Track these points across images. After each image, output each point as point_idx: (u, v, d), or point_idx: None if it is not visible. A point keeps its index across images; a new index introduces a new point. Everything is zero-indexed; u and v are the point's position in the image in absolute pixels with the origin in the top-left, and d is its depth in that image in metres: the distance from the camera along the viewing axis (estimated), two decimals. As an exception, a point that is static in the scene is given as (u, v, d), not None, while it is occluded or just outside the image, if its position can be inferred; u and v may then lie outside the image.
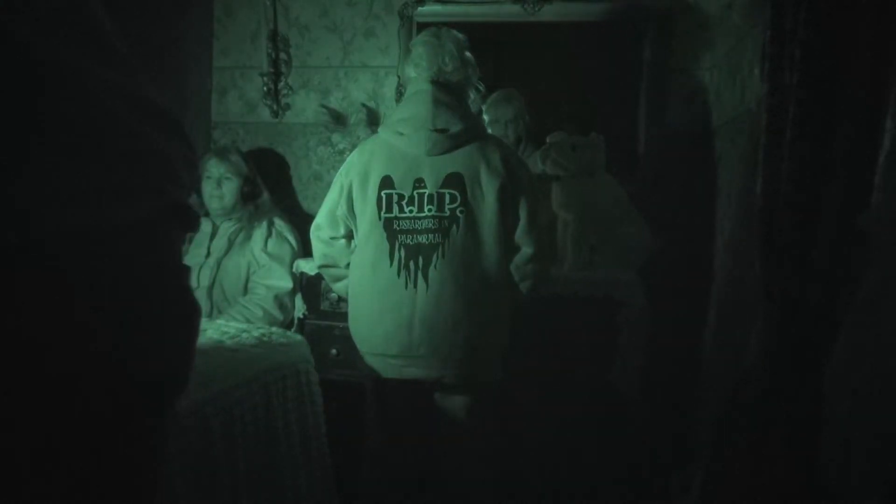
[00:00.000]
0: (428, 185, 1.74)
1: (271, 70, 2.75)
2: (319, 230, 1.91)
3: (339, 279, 1.95)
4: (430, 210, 1.73)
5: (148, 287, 0.72)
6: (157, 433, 0.80)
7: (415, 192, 1.74)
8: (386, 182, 1.76)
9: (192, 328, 0.82)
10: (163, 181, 0.73)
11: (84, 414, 0.68)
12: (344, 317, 1.93)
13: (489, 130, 2.45)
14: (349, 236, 1.88)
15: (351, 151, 1.91)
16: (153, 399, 0.77)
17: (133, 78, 0.72)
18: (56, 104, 0.63)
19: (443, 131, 1.74)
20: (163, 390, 0.78)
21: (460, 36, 1.84)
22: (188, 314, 0.80)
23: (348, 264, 1.88)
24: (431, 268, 1.72)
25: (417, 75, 1.80)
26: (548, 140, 2.25)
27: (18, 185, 0.60)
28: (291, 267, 2.42)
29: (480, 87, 1.90)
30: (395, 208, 1.75)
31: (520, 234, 1.78)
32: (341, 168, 1.87)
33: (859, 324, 0.90)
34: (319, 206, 1.92)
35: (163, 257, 0.75)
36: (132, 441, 0.75)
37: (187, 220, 0.79)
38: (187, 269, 0.81)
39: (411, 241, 1.74)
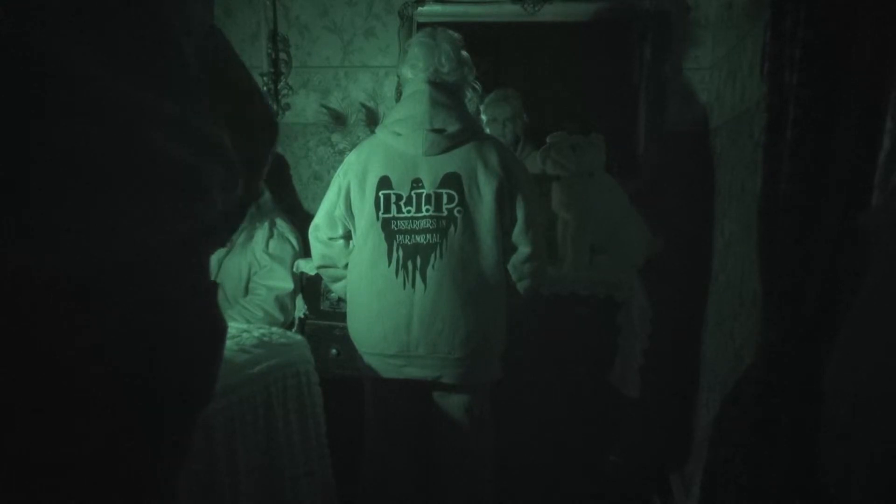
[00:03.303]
0: (425, 185, 1.74)
1: (271, 70, 2.75)
2: (318, 230, 1.91)
3: (337, 279, 1.95)
4: (427, 210, 1.73)
5: (178, 308, 0.71)
6: (179, 449, 0.79)
7: (412, 193, 1.74)
8: (384, 182, 1.76)
9: (219, 345, 0.82)
10: (196, 206, 0.72)
11: (111, 431, 0.68)
12: (344, 317, 1.93)
13: (487, 130, 2.45)
14: (347, 237, 1.88)
15: (351, 152, 1.92)
16: (178, 416, 0.76)
17: (179, 101, 0.70)
18: (89, 133, 0.61)
19: (440, 131, 1.73)
20: (189, 407, 0.78)
21: (456, 35, 1.84)
22: (215, 332, 0.80)
23: (347, 265, 1.88)
24: (429, 268, 1.72)
25: (414, 76, 1.80)
26: (548, 140, 2.24)
27: (52, 213, 0.59)
28: (293, 268, 2.42)
29: (477, 87, 1.90)
30: (393, 208, 1.75)
31: (517, 234, 1.78)
32: (339, 169, 1.87)
33: (859, 324, 0.89)
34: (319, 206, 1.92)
35: (193, 278, 0.74)
36: (154, 458, 0.75)
37: (217, 239, 0.79)
38: (215, 286, 0.81)
39: (409, 241, 1.74)
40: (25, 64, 0.55)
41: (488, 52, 2.48)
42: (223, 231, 0.81)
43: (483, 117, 2.50)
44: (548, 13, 2.53)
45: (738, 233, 1.89)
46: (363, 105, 2.70)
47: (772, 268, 1.24)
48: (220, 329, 0.80)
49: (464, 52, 1.83)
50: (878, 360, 0.83)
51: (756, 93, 1.73)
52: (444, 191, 1.73)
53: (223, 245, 0.83)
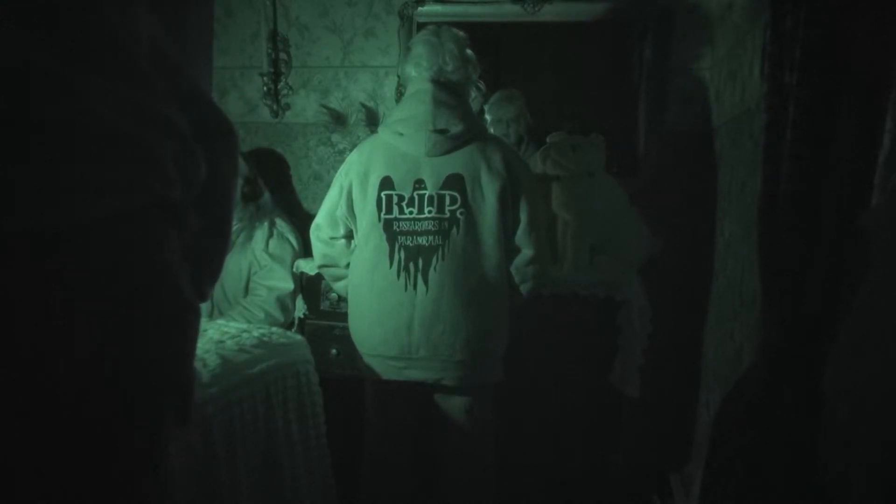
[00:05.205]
0: (428, 187, 1.73)
1: (271, 70, 2.75)
2: (319, 230, 1.90)
3: (339, 279, 1.95)
4: (430, 211, 1.73)
5: (133, 282, 0.73)
6: (157, 436, 0.79)
7: (415, 193, 1.74)
8: (386, 183, 1.75)
9: (185, 325, 0.82)
10: (148, 178, 0.75)
11: (71, 411, 0.68)
12: (344, 317, 1.93)
13: (491, 130, 2.45)
14: (349, 236, 1.88)
15: (351, 152, 1.91)
16: (149, 400, 0.76)
17: (128, 84, 0.74)
18: (37, 105, 0.65)
19: (443, 132, 1.73)
20: (158, 391, 0.78)
21: (460, 34, 1.83)
22: (180, 312, 0.80)
23: (348, 264, 1.88)
24: (431, 269, 1.72)
25: (417, 74, 1.79)
26: (548, 140, 2.24)
27: (8, 176, 0.62)
28: (293, 267, 2.42)
29: (481, 86, 1.89)
30: (395, 209, 1.75)
31: (520, 236, 1.78)
32: (341, 168, 1.87)
33: (859, 324, 0.90)
34: (319, 206, 1.92)
35: (148, 253, 0.75)
36: (129, 444, 0.75)
37: (176, 216, 0.80)
38: (179, 267, 0.81)
39: (411, 242, 1.73)
40: None
41: (488, 52, 2.47)
42: (181, 209, 0.82)
43: (487, 117, 2.50)
44: (548, 13, 2.53)
45: (738, 233, 1.89)
46: (363, 105, 2.70)
47: (772, 267, 1.24)
48: (186, 311, 0.81)
49: (468, 51, 1.81)
50: (878, 360, 0.83)
51: (756, 93, 1.73)
52: (446, 192, 1.73)
53: (187, 227, 0.86)
